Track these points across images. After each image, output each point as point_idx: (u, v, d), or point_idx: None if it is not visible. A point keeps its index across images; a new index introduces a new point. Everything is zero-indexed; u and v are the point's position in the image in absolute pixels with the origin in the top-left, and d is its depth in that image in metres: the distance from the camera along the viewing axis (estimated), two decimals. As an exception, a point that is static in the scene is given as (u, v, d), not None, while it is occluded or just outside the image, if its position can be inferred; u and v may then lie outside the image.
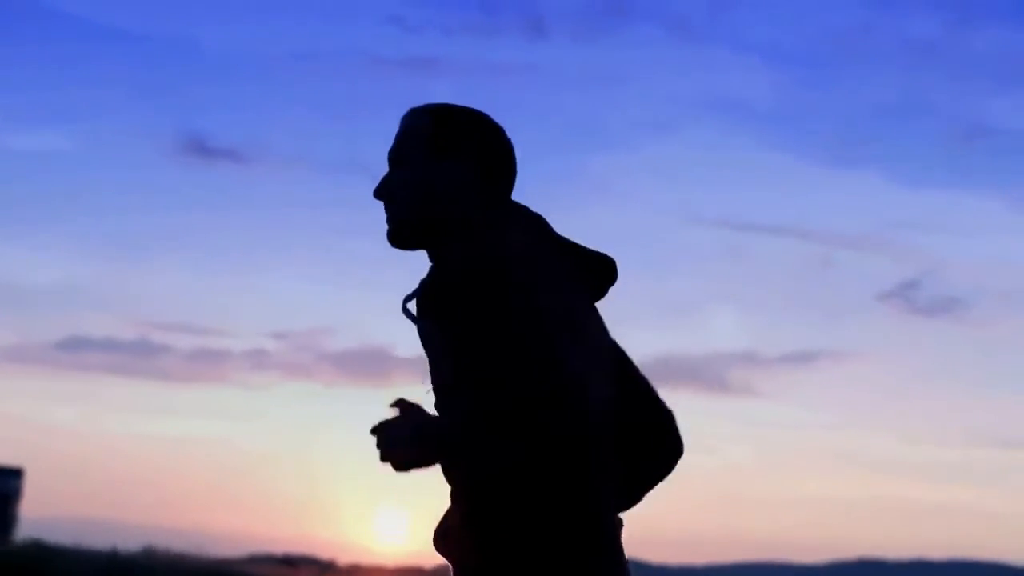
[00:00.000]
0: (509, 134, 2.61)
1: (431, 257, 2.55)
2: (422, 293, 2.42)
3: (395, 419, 2.32)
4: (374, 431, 2.33)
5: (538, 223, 2.52)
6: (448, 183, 2.50)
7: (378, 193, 2.57)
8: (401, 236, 2.55)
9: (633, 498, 2.55)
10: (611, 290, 2.56)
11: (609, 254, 2.54)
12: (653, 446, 2.53)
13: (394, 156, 2.57)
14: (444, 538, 2.48)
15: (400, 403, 2.36)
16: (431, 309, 2.39)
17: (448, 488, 2.50)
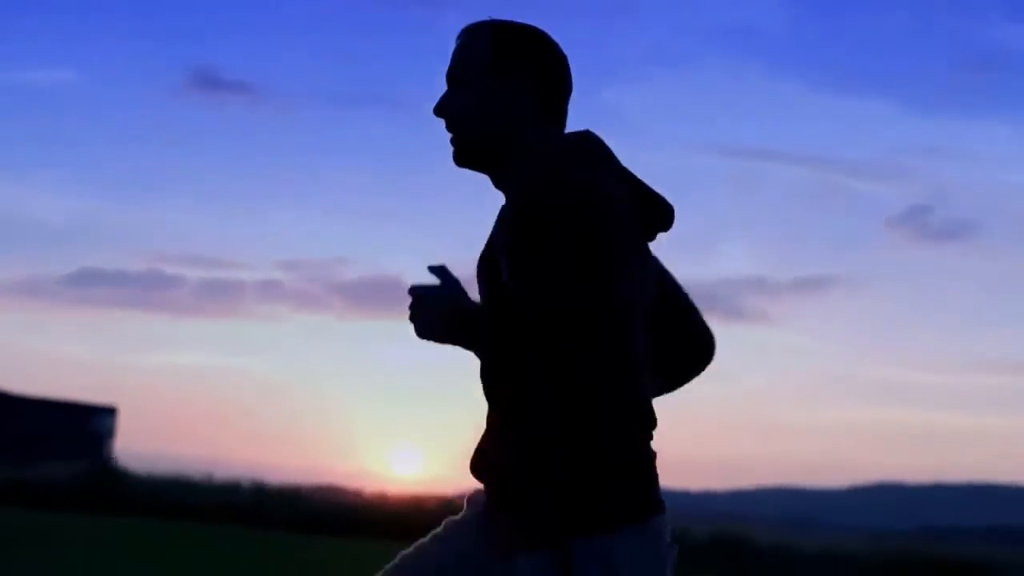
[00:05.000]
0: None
1: (494, 179, 2.46)
2: (512, 216, 2.33)
3: (436, 297, 2.31)
4: (413, 294, 2.31)
5: (606, 153, 2.43)
6: (510, 101, 2.42)
7: (438, 111, 2.47)
8: (467, 157, 2.46)
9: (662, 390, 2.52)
10: None
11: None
12: (689, 361, 2.54)
13: (453, 75, 2.48)
14: (481, 461, 2.43)
15: (440, 271, 2.34)
16: (512, 235, 2.31)
17: (484, 414, 2.45)
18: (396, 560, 2.52)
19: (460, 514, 2.51)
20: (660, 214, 2.45)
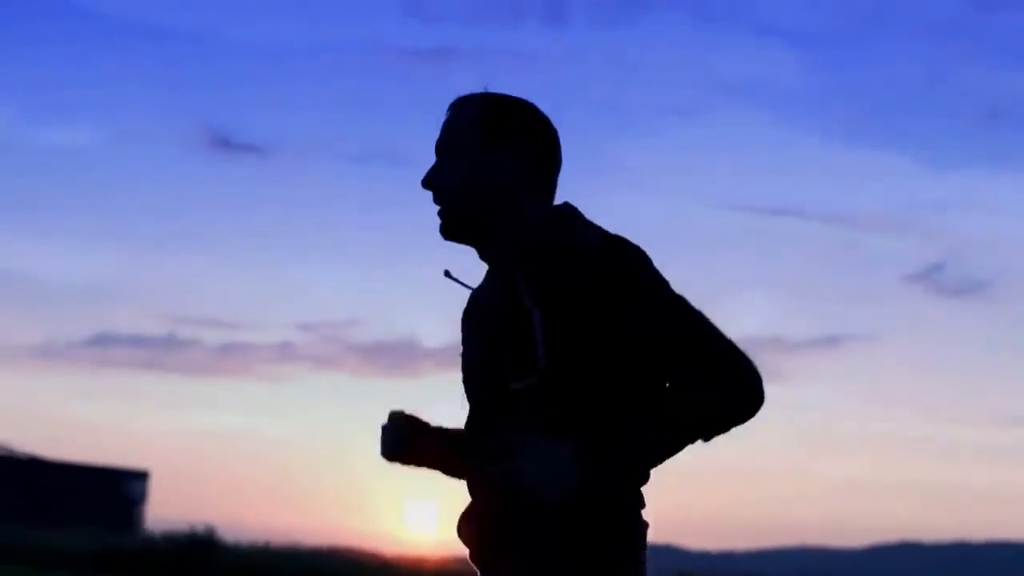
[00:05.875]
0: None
1: (481, 252, 2.43)
2: (546, 275, 2.29)
3: (541, 444, 2.22)
4: (514, 459, 2.22)
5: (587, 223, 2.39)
6: (500, 174, 2.38)
7: (427, 183, 2.42)
8: (455, 230, 2.41)
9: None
10: None
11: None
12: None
13: (442, 146, 2.42)
14: (471, 523, 2.39)
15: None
16: (565, 292, 2.26)
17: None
18: None
19: None
20: None
